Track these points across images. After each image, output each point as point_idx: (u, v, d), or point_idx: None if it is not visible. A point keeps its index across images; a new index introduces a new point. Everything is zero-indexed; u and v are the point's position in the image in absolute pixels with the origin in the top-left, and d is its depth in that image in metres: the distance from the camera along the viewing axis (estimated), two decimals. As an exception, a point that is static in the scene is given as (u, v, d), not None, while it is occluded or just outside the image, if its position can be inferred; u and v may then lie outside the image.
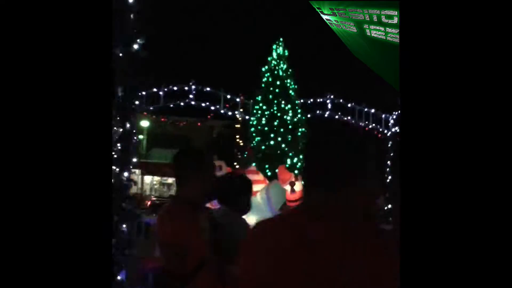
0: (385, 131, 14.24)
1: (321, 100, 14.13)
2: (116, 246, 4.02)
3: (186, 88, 13.28)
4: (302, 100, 13.79)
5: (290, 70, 13.38)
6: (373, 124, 14.19)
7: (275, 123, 12.73)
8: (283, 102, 12.94)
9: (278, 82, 13.09)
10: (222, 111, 13.84)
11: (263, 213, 8.85)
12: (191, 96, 13.26)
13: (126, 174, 4.28)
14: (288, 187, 8.86)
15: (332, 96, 13.99)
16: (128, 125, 4.27)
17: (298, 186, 8.94)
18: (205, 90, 13.61)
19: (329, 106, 13.95)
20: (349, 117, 14.00)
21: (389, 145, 13.82)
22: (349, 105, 14.04)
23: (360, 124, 13.72)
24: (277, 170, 10.60)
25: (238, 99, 14.03)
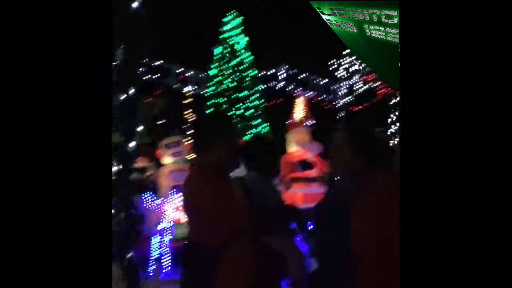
0: (334, 102, 14.10)
1: (273, 71, 13.88)
2: (127, 220, 3.93)
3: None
4: (257, 72, 13.38)
5: (245, 41, 13.04)
6: (324, 96, 14.06)
7: (232, 96, 12.41)
8: (238, 74, 12.59)
9: (233, 54, 12.73)
10: (174, 86, 13.50)
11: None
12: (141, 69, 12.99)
13: (132, 144, 4.11)
14: None
15: (286, 67, 13.73)
16: (131, 92, 4.08)
17: None
18: (157, 64, 13.09)
19: (283, 76, 13.76)
20: (300, 88, 13.77)
21: (339, 116, 13.70)
22: (301, 76, 13.86)
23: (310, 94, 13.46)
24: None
25: (191, 72, 13.61)
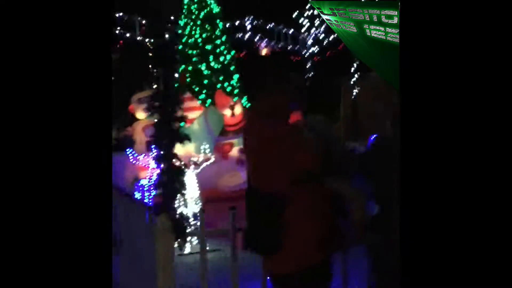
0: (303, 52, 13.84)
1: (238, 22, 13.46)
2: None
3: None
4: (226, 23, 12.80)
5: None
6: (291, 46, 13.73)
7: (205, 48, 11.81)
8: (208, 25, 11.99)
9: (202, 4, 12.14)
10: (138, 38, 12.98)
11: (202, 139, 8.75)
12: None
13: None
14: (228, 112, 8.54)
15: (251, 18, 13.35)
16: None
17: (238, 109, 8.69)
18: (117, 15, 12.49)
19: (248, 28, 13.40)
20: (266, 39, 13.46)
21: (307, 66, 13.46)
22: (268, 26, 13.47)
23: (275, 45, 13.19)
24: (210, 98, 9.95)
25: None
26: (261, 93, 2.30)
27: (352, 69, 13.04)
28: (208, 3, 12.25)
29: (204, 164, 6.24)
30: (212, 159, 6.72)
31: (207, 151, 8.06)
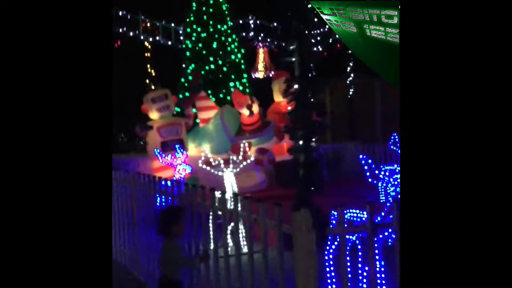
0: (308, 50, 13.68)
1: (241, 22, 13.23)
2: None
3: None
4: (237, 21, 12.65)
5: None
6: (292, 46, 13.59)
7: (214, 46, 11.66)
8: (219, 24, 11.78)
9: (211, 2, 11.93)
10: (142, 37, 12.78)
11: (217, 139, 8.57)
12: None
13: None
14: (245, 111, 8.37)
15: (254, 17, 13.06)
16: None
17: (256, 108, 8.55)
18: (120, 14, 12.20)
19: (252, 27, 13.18)
20: (269, 39, 13.34)
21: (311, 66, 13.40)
22: (271, 25, 13.29)
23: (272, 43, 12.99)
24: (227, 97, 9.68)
25: (157, 23, 12.82)
26: None
27: (348, 68, 13.03)
28: (218, 1, 11.96)
29: (245, 163, 6.06)
30: (253, 158, 6.36)
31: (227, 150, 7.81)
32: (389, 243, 3.22)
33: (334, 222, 3.59)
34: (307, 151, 4.29)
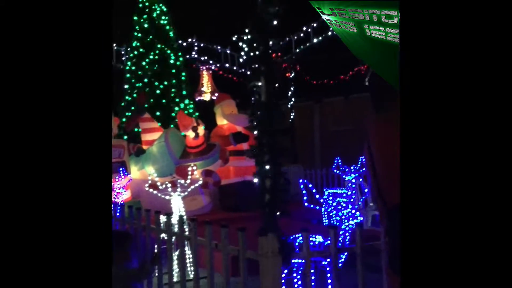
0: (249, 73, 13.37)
1: (185, 43, 12.96)
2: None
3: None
4: (181, 42, 12.41)
5: (165, 10, 11.97)
6: (243, 70, 13.37)
7: (157, 67, 11.38)
8: (163, 45, 11.58)
9: (155, 22, 11.70)
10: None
11: (161, 162, 8.49)
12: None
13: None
14: (190, 133, 8.16)
15: (194, 39, 12.91)
16: None
17: (201, 130, 8.46)
18: None
19: (195, 49, 12.95)
20: (211, 61, 13.07)
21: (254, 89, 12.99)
22: (218, 48, 13.09)
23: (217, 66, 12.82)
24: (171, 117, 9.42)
25: None
26: (393, 104, 2.35)
27: (289, 92, 13.01)
28: (162, 23, 11.82)
29: (192, 187, 5.87)
30: (201, 181, 6.31)
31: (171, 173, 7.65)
32: (339, 266, 3.29)
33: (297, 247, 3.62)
34: (276, 175, 4.34)
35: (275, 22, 3.17)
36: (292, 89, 13.14)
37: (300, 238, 3.66)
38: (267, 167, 4.19)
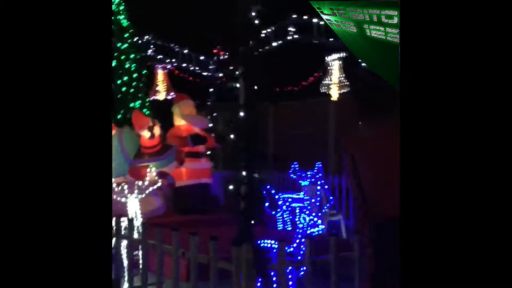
0: (205, 74, 12.64)
1: (140, 41, 12.33)
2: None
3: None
4: (138, 39, 11.83)
5: (121, 6, 11.26)
6: (197, 68, 12.65)
7: (112, 64, 10.58)
8: (119, 42, 10.93)
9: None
10: None
11: (114, 162, 8.08)
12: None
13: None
14: (146, 133, 7.76)
15: (151, 37, 12.31)
16: None
17: (157, 130, 8.18)
18: None
19: (151, 47, 12.30)
20: (168, 59, 12.39)
21: (211, 90, 12.57)
22: (173, 46, 12.32)
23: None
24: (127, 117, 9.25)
25: None
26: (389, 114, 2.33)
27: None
28: (118, 18, 11.06)
29: (150, 189, 5.50)
30: (159, 183, 5.98)
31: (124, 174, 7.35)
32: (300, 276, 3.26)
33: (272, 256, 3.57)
34: (251, 182, 4.17)
35: (256, 22, 3.11)
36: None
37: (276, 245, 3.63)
38: (244, 173, 4.12)
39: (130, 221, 3.60)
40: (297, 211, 7.03)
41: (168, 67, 12.36)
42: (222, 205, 8.31)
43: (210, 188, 8.32)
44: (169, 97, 11.24)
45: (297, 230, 4.14)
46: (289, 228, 7.15)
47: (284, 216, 7.19)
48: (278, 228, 7.18)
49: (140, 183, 5.35)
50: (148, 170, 6.09)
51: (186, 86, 12.25)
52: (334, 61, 9.71)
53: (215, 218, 7.31)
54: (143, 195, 5.34)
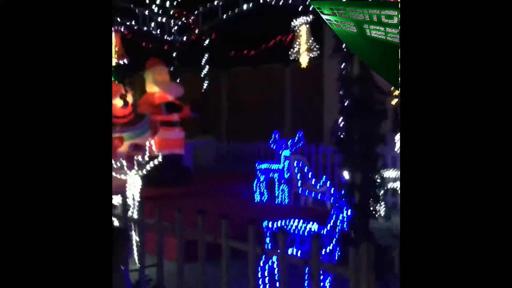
0: (169, 38, 11.63)
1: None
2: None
3: None
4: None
5: None
6: (158, 32, 11.44)
7: None
8: None
9: None
10: None
11: None
12: None
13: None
14: (118, 102, 7.08)
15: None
16: None
17: (130, 98, 7.26)
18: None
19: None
20: (123, 23, 11.04)
21: (174, 55, 11.88)
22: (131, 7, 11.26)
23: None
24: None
25: None
26: None
27: (203, 60, 11.86)
28: None
29: (151, 164, 5.03)
30: (160, 159, 5.38)
31: None
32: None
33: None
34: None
35: None
36: (206, 56, 11.73)
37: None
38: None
39: (125, 200, 3.55)
40: (276, 182, 6.92)
41: (121, 30, 11.61)
42: (193, 176, 7.97)
43: (182, 160, 7.91)
44: (121, 62, 10.66)
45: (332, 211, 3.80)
46: (265, 199, 6.97)
47: (260, 186, 7.08)
48: (255, 201, 6.98)
49: (139, 157, 5.01)
50: (122, 142, 5.64)
51: (142, 51, 11.41)
52: (301, 26, 9.04)
53: (187, 190, 7.12)
54: (144, 171, 4.91)
